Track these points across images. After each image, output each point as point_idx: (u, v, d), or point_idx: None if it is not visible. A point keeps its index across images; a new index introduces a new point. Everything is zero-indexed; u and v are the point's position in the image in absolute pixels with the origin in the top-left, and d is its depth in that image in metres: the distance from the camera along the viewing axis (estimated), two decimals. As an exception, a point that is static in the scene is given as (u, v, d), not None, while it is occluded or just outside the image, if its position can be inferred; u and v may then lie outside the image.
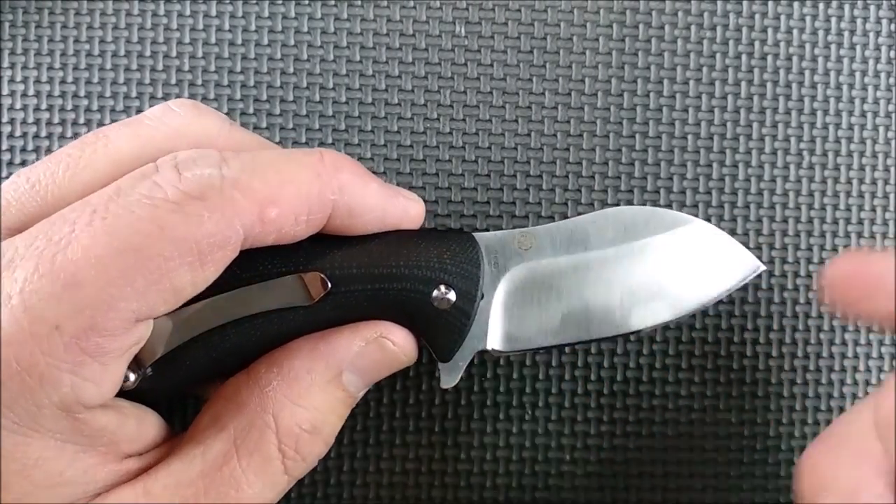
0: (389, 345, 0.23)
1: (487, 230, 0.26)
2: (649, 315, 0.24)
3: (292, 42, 0.28)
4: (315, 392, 0.22)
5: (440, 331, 0.23)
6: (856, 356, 0.29)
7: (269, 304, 0.22)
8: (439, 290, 0.22)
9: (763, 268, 0.24)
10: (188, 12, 0.28)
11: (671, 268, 0.24)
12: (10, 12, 0.28)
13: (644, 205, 0.28)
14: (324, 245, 0.22)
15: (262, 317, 0.22)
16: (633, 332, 0.24)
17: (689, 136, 0.28)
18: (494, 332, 0.23)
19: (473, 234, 0.24)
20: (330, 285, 0.22)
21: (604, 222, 0.24)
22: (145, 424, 0.22)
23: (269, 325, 0.22)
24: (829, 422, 0.28)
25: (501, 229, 0.27)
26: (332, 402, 0.22)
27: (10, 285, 0.18)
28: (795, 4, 0.29)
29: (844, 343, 0.29)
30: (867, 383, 0.29)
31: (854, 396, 0.28)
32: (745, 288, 0.28)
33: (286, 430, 0.21)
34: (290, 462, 0.21)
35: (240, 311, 0.22)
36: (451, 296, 0.22)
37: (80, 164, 0.21)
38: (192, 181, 0.19)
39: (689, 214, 0.26)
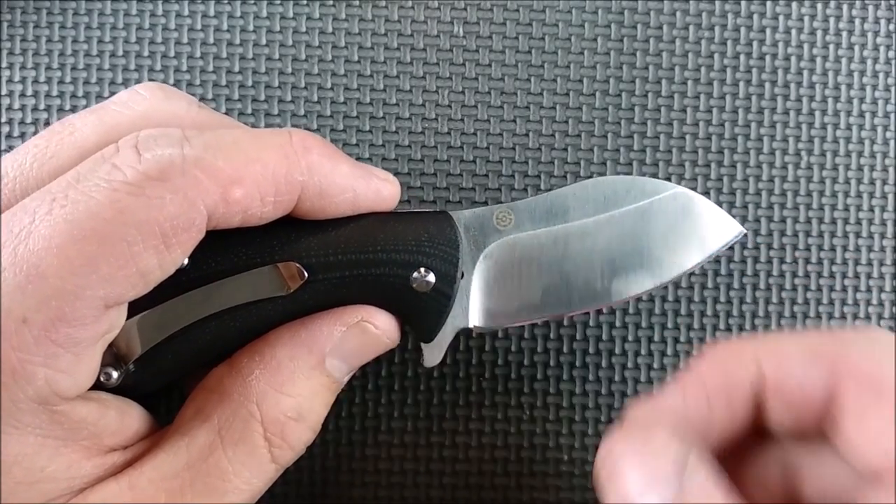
0: (371, 328, 0.22)
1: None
2: (631, 284, 0.23)
3: (290, 42, 0.28)
4: (299, 379, 0.22)
5: (421, 313, 0.23)
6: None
7: (247, 297, 0.22)
8: (418, 272, 0.22)
9: (744, 231, 0.24)
10: (186, 12, 0.28)
11: (652, 236, 0.24)
12: (9, 12, 0.28)
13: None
14: (298, 232, 0.22)
15: (241, 309, 0.22)
16: (615, 303, 0.24)
17: (688, 136, 0.28)
18: (476, 310, 0.23)
19: (451, 213, 0.23)
20: (307, 274, 0.22)
21: (584, 193, 0.24)
22: (128, 416, 0.21)
23: (249, 316, 0.22)
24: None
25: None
26: (316, 389, 0.22)
27: None
28: (794, 4, 0.29)
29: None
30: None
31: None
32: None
33: (271, 418, 0.21)
34: (277, 450, 0.21)
35: (218, 304, 0.22)
36: (431, 278, 0.22)
37: (46, 154, 0.20)
38: (152, 161, 0.19)
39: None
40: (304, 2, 0.28)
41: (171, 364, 0.22)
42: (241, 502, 0.21)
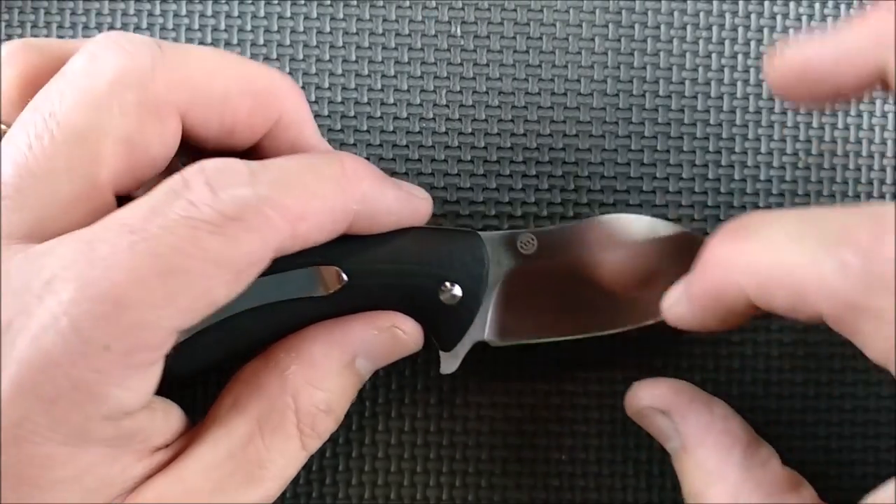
0: (401, 334, 0.24)
1: (485, 230, 0.27)
2: (639, 315, 0.25)
3: (288, 42, 0.28)
4: (331, 376, 0.23)
5: (445, 324, 0.25)
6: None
7: (286, 295, 0.23)
8: (446, 286, 0.24)
9: None
10: (184, 12, 0.28)
11: (660, 272, 0.25)
12: (7, 12, 0.28)
13: (640, 204, 0.28)
14: (342, 240, 0.23)
15: (278, 306, 0.23)
16: (623, 331, 0.25)
17: (685, 137, 0.28)
18: (493, 325, 0.25)
19: (479, 233, 0.25)
20: (346, 279, 0.23)
21: (601, 228, 0.26)
22: (171, 416, 0.23)
23: (285, 313, 0.23)
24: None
25: (498, 229, 0.28)
26: (345, 385, 0.24)
27: (56, 306, 0.19)
28: (791, 4, 0.29)
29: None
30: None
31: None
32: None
33: (305, 410, 0.23)
34: (308, 439, 0.23)
35: (257, 300, 0.23)
36: (457, 291, 0.24)
37: (45, 154, 0.20)
38: (229, 202, 0.20)
39: (684, 215, 0.28)
40: (302, 1, 0.28)
41: (205, 355, 0.24)
42: (274, 490, 0.22)
